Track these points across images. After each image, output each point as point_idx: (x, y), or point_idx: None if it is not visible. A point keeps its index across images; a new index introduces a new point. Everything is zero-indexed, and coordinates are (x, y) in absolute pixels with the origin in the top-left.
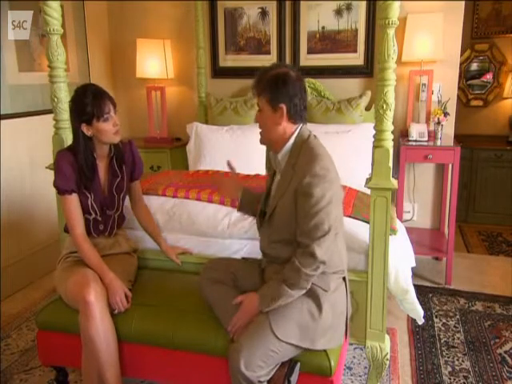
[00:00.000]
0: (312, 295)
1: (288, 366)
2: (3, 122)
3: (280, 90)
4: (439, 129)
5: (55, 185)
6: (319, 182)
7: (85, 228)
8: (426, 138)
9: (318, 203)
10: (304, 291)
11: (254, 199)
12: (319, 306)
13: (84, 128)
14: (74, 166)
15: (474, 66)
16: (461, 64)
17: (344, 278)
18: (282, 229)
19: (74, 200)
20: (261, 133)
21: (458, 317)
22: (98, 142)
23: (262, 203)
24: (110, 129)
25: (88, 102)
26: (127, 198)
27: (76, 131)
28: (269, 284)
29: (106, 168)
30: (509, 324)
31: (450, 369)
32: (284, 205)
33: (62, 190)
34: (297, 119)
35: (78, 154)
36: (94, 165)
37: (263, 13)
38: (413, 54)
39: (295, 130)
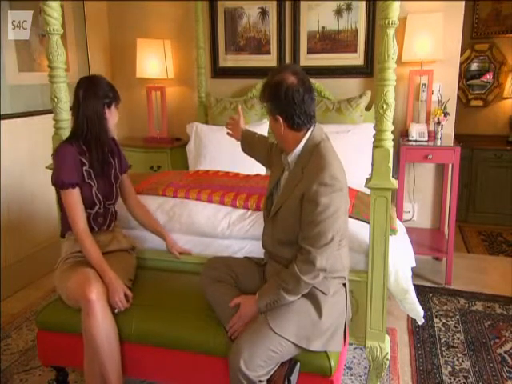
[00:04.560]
0: (312, 297)
1: (288, 365)
2: (3, 121)
3: (273, 103)
4: (439, 129)
5: (58, 179)
6: (326, 191)
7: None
8: (426, 138)
9: (323, 212)
10: (300, 295)
11: (252, 141)
12: (318, 308)
13: (106, 110)
14: (77, 158)
15: (474, 66)
16: (461, 64)
17: (344, 285)
18: (285, 229)
19: (76, 194)
20: None
21: (457, 317)
22: None
23: (267, 197)
24: (116, 119)
25: (108, 87)
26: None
27: (100, 113)
28: (267, 286)
29: None
30: (509, 324)
31: (449, 369)
32: (289, 207)
33: (66, 184)
34: (300, 127)
35: (102, 136)
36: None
37: (263, 13)
38: (413, 54)
39: (304, 135)
